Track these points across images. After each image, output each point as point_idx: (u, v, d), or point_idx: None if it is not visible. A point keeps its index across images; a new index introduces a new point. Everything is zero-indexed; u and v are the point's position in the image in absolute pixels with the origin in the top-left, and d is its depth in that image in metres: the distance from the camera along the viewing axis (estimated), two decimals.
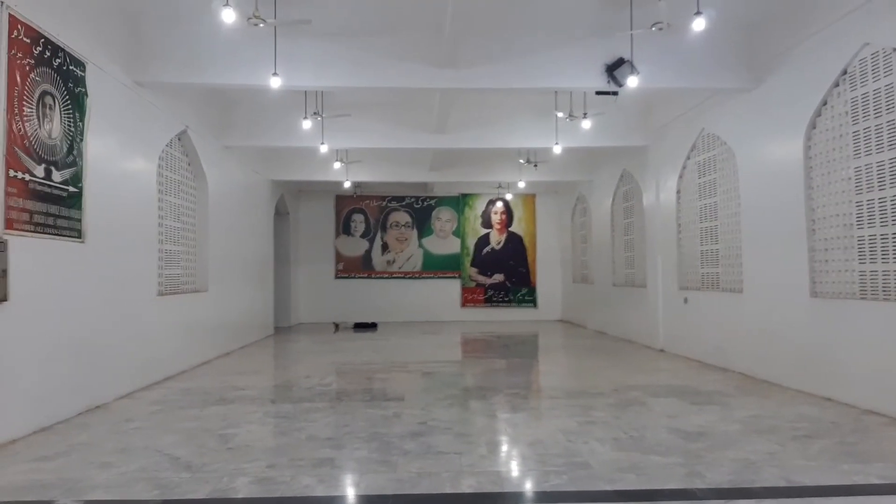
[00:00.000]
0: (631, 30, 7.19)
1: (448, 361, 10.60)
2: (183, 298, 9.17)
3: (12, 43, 5.37)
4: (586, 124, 10.00)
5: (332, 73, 8.01)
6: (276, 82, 7.29)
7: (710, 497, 3.82)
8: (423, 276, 18.34)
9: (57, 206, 5.99)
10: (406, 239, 18.38)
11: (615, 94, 9.20)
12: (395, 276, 18.29)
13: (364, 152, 13.50)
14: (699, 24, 6.43)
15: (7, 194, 5.25)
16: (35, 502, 3.85)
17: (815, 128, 7.09)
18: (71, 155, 6.28)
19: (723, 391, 7.23)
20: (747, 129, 8.35)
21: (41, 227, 5.73)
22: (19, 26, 5.47)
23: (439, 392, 7.43)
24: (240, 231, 11.99)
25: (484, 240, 18.52)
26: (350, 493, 4.09)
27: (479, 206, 18.54)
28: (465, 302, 18.36)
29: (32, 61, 5.66)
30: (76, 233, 6.32)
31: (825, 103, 6.91)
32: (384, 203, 18.36)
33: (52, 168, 5.94)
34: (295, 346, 12.67)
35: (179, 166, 9.33)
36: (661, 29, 6.93)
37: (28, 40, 5.59)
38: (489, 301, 18.40)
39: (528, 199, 18.55)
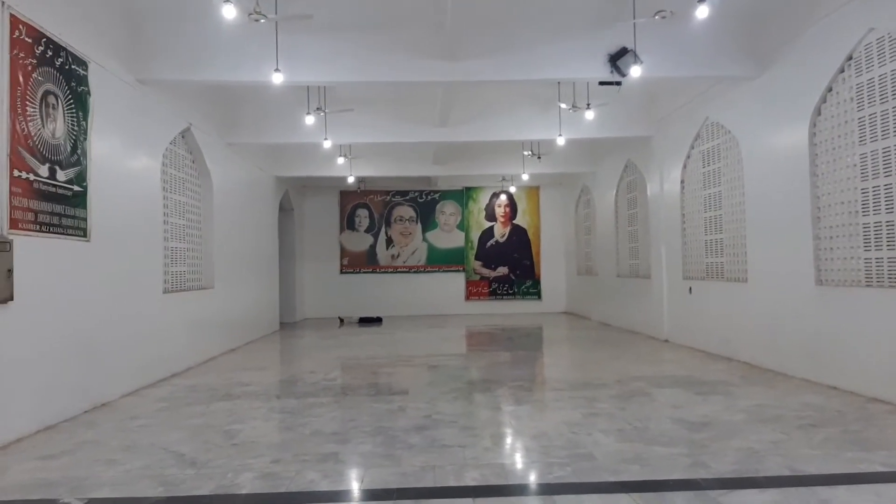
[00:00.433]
0: (634, 19, 7.16)
1: (453, 355, 10.61)
2: (188, 295, 9.20)
3: (14, 43, 5.38)
4: (589, 115, 9.96)
5: (334, 68, 7.99)
6: (278, 78, 7.29)
7: (714, 487, 3.82)
8: (428, 269, 18.36)
9: (62, 206, 6.01)
10: (410, 233, 18.38)
11: (618, 84, 9.15)
12: (399, 270, 18.31)
13: (367, 147, 13.50)
14: (702, 12, 6.39)
15: (12, 194, 5.27)
16: (40, 501, 3.87)
17: (820, 115, 7.04)
18: (75, 154, 6.30)
19: (727, 381, 7.22)
20: (752, 118, 8.30)
21: (46, 227, 5.76)
22: (21, 26, 5.48)
23: (444, 385, 7.44)
24: (245, 228, 12.02)
25: (488, 233, 18.51)
26: (355, 487, 4.10)
27: (483, 199, 18.52)
28: (469, 295, 18.37)
29: (35, 61, 5.67)
30: (81, 232, 6.35)
31: (830, 90, 6.87)
32: (388, 198, 18.36)
33: (57, 167, 5.97)
34: (300, 342, 12.71)
35: (183, 164, 9.34)
36: (664, 17, 6.90)
37: (30, 40, 5.60)
38: (493, 294, 18.40)
39: (532, 191, 18.53)
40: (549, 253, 18.58)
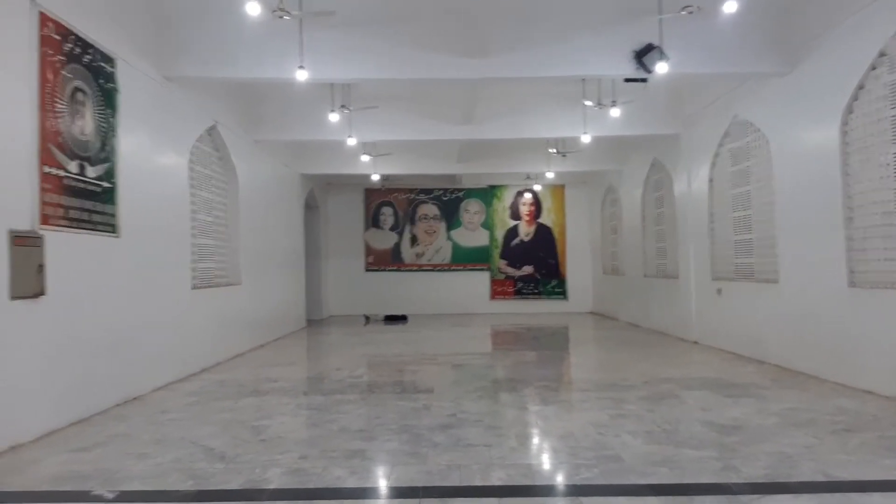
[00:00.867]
0: (660, 14, 7.05)
1: (478, 353, 10.59)
2: (217, 292, 9.29)
3: (43, 40, 5.46)
4: (615, 112, 9.86)
5: (357, 65, 7.98)
6: (302, 75, 7.30)
7: (745, 491, 3.74)
8: (453, 268, 18.34)
9: (91, 202, 6.09)
10: (435, 231, 18.38)
11: (644, 80, 9.03)
12: (424, 268, 18.32)
13: (391, 145, 13.50)
14: (730, 7, 6.27)
15: (42, 190, 5.35)
16: (72, 493, 3.93)
17: (851, 112, 6.88)
18: (104, 151, 6.38)
19: (758, 383, 7.10)
20: (782, 115, 8.14)
21: (76, 223, 5.84)
22: (49, 24, 5.55)
23: (469, 384, 7.42)
24: (271, 225, 12.11)
25: (513, 231, 18.44)
26: (381, 484, 4.10)
27: (508, 197, 18.45)
28: (494, 294, 18.31)
29: (63, 58, 5.75)
30: (111, 227, 6.43)
31: (862, 87, 6.69)
32: (412, 196, 18.38)
33: (86, 164, 6.05)
34: (327, 339, 12.78)
35: (210, 161, 9.43)
36: (690, 13, 6.78)
37: (58, 37, 5.68)
38: (519, 293, 18.32)
39: (557, 189, 18.41)
40: (574, 252, 18.45)
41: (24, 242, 5.07)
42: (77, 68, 5.96)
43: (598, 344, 11.73)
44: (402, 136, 11.63)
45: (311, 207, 16.22)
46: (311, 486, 3.96)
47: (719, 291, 9.92)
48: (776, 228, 8.28)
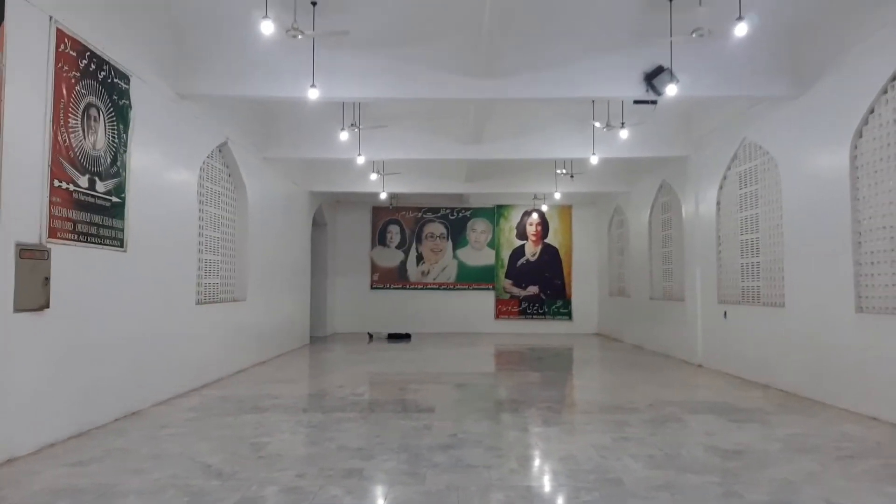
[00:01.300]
0: (670, 36, 7.08)
1: (481, 373, 10.53)
2: (221, 307, 9.31)
3: (59, 56, 5.54)
4: (624, 134, 9.89)
5: (369, 84, 8.06)
6: (313, 94, 7.39)
7: None
8: (458, 287, 18.32)
9: (100, 216, 6.14)
10: (441, 250, 18.39)
11: (654, 103, 9.07)
12: (429, 287, 18.30)
13: (400, 164, 13.58)
14: (741, 30, 6.28)
15: (51, 204, 5.40)
16: None
17: (861, 136, 6.87)
18: (115, 166, 6.44)
19: (763, 408, 7.02)
20: (791, 139, 8.14)
21: (84, 236, 5.88)
22: (66, 40, 5.65)
23: (471, 404, 7.38)
24: (278, 241, 12.15)
25: (519, 251, 18.42)
26: None
27: (515, 217, 18.46)
28: (499, 314, 18.26)
29: (78, 74, 5.83)
30: (118, 242, 6.47)
31: (872, 111, 6.70)
32: (419, 214, 18.42)
33: (96, 179, 6.10)
34: (329, 356, 12.75)
35: (220, 177, 9.50)
36: (701, 35, 6.80)
37: (74, 54, 5.77)
38: (524, 313, 18.26)
39: (565, 210, 18.42)
40: (580, 273, 18.40)
41: (31, 255, 5.11)
42: (92, 84, 6.05)
43: (603, 366, 11.65)
44: (410, 154, 11.68)
45: (318, 224, 16.28)
46: None
47: (725, 315, 9.86)
48: (784, 252, 8.24)
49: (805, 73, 7.79)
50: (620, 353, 13.05)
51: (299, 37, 6.72)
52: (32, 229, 5.18)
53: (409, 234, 18.40)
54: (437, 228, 18.43)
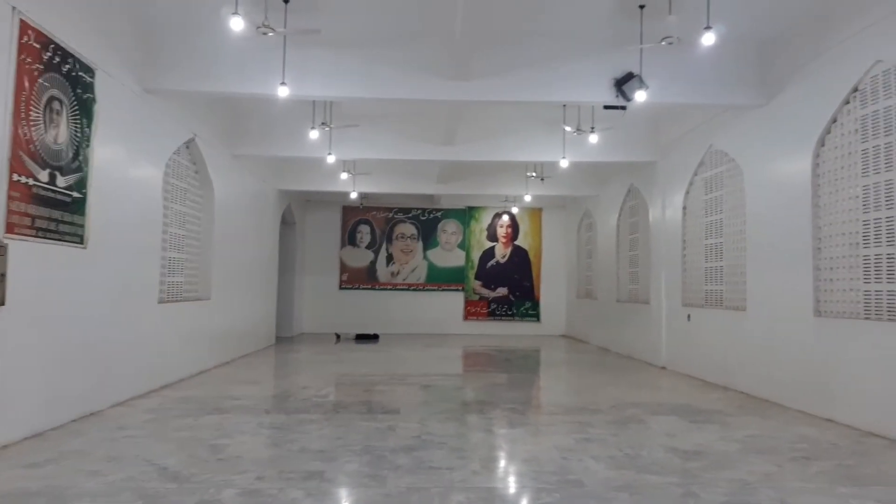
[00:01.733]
0: (641, 44, 7.17)
1: (448, 375, 10.54)
2: (184, 306, 9.16)
3: (22, 48, 5.40)
4: (594, 139, 9.97)
5: (340, 83, 8.01)
6: (283, 91, 7.32)
7: None
8: (427, 288, 18.31)
9: (60, 212, 6.00)
10: (411, 251, 18.36)
11: (623, 108, 9.15)
12: (398, 287, 18.27)
13: (371, 163, 13.52)
14: (709, 39, 6.37)
15: (10, 198, 5.26)
16: None
17: (823, 145, 7.04)
18: (77, 160, 6.30)
19: (723, 410, 7.14)
20: (756, 146, 8.30)
21: (43, 232, 5.74)
22: (30, 32, 5.50)
23: (437, 406, 7.37)
24: (245, 240, 12.01)
25: (489, 253, 18.48)
26: None
27: (486, 219, 18.52)
28: (468, 315, 18.30)
29: (41, 66, 5.69)
30: (78, 238, 6.33)
31: (835, 120, 6.86)
32: (390, 214, 18.37)
33: (57, 173, 5.96)
34: (295, 357, 12.65)
35: (186, 174, 9.36)
36: (671, 44, 6.89)
37: (38, 46, 5.63)
38: (492, 314, 18.33)
39: (535, 212, 18.52)
40: (549, 275, 18.52)
41: None
42: (55, 77, 5.90)
43: (569, 367, 11.74)
44: (382, 155, 11.65)
45: (287, 223, 16.13)
46: None
47: (689, 317, 10.01)
48: (746, 257, 8.40)
49: (770, 83, 7.94)
50: (586, 355, 13.16)
51: (270, 34, 6.64)
52: None
53: (380, 234, 18.34)
54: (408, 229, 18.40)
